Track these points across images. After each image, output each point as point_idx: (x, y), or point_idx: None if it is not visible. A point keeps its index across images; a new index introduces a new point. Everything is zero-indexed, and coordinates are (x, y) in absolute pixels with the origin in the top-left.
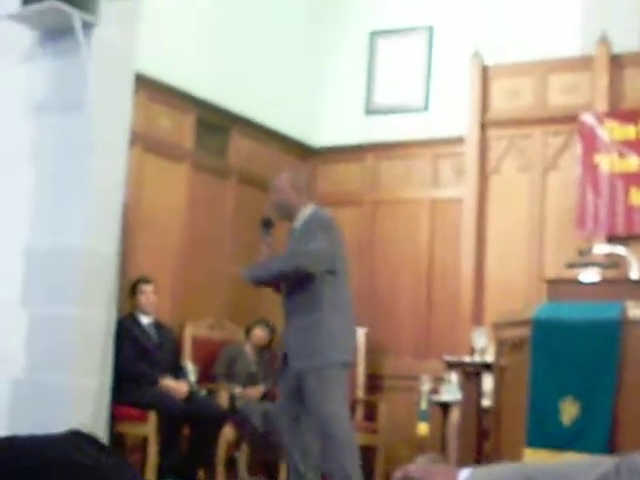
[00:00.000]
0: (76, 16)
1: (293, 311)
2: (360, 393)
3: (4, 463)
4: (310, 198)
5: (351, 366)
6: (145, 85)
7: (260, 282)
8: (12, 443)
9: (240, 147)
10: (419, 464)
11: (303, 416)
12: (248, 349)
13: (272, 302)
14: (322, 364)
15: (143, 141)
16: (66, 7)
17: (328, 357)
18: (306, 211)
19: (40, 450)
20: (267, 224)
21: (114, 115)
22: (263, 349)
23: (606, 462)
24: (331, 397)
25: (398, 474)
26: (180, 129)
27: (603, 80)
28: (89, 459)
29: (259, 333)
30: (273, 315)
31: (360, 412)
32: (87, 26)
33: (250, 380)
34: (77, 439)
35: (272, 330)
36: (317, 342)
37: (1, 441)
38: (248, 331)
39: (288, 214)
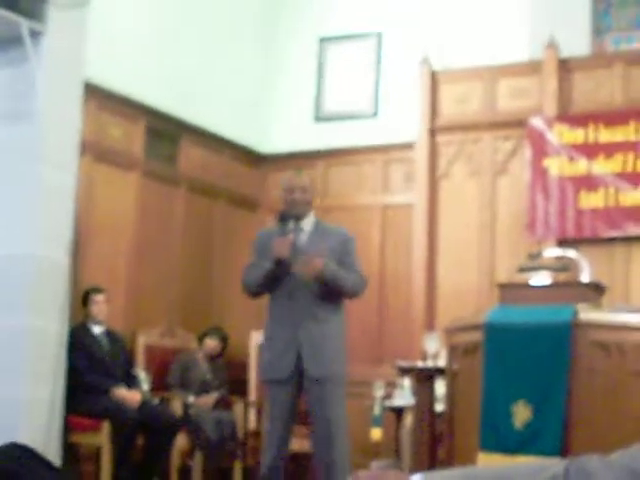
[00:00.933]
0: (24, 25)
1: (316, 317)
2: None
3: None
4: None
5: None
6: (94, 94)
7: (328, 280)
8: None
9: (190, 155)
10: (372, 470)
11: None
12: (201, 357)
13: (223, 309)
14: (341, 372)
15: (93, 150)
16: (14, 16)
17: (344, 366)
18: (311, 215)
19: None
20: (284, 218)
21: (64, 124)
22: (215, 357)
23: (555, 465)
24: (342, 404)
25: (350, 479)
26: (130, 137)
27: (552, 84)
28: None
29: (211, 343)
30: (224, 321)
31: None
32: (35, 35)
33: (204, 388)
34: (19, 452)
35: (224, 339)
36: (339, 349)
37: None
38: (200, 340)
39: (304, 213)
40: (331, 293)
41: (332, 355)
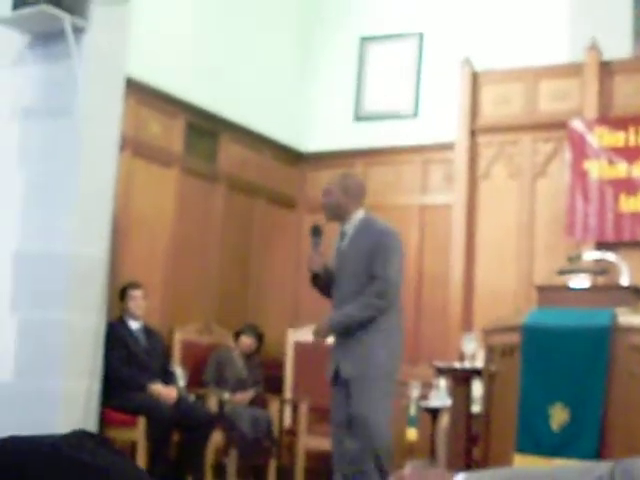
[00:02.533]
0: (67, 20)
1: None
2: None
3: (9, 461)
4: (361, 202)
5: None
6: (135, 90)
7: (340, 329)
8: (15, 443)
9: (230, 152)
10: (412, 469)
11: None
12: (236, 355)
13: (260, 307)
14: (374, 371)
15: (133, 146)
16: (57, 11)
17: (380, 364)
18: (357, 215)
19: (48, 449)
20: (316, 232)
21: (104, 120)
22: (251, 355)
23: (601, 467)
24: (375, 402)
25: (392, 479)
26: (170, 134)
27: (593, 87)
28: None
29: (246, 340)
30: (261, 319)
31: None
32: (78, 31)
33: (239, 385)
34: (84, 439)
35: (259, 336)
36: (372, 347)
37: (5, 441)
38: (236, 337)
39: (338, 216)
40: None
41: (362, 354)
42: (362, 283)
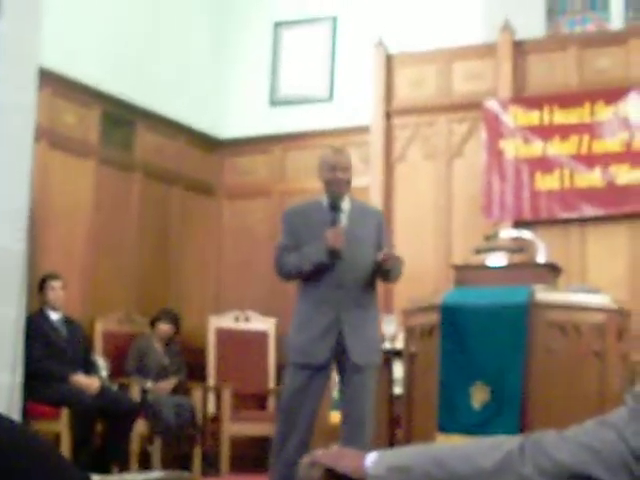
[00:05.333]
0: None
1: (359, 302)
2: (271, 384)
3: None
4: None
5: None
6: (49, 80)
7: (395, 269)
8: None
9: (146, 141)
10: (327, 450)
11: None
12: (156, 342)
13: (181, 294)
14: (380, 359)
15: (48, 137)
16: None
17: (379, 352)
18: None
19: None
20: (336, 207)
21: (19, 111)
22: (170, 341)
23: (511, 440)
24: (375, 391)
25: (306, 460)
26: (85, 124)
27: (506, 67)
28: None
29: (163, 327)
30: (182, 306)
31: (272, 403)
32: None
33: (161, 373)
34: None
35: (176, 321)
36: (375, 337)
37: None
38: (153, 325)
39: (343, 194)
40: (372, 272)
41: (374, 341)
42: (371, 255)
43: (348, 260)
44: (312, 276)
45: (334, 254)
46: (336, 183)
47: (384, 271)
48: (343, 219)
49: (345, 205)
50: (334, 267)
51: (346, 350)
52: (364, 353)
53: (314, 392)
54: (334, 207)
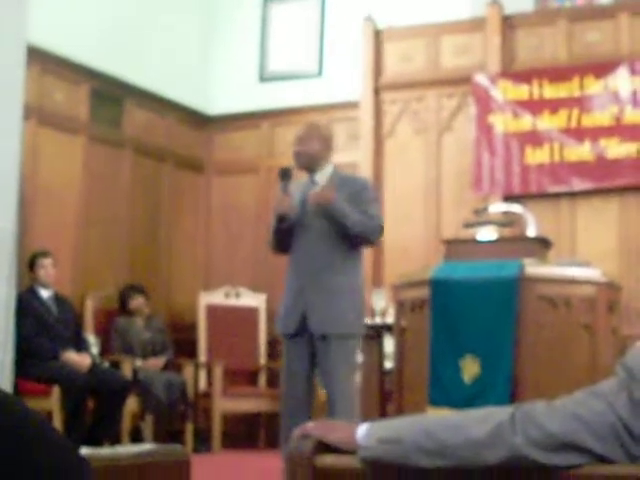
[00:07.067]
0: None
1: (332, 267)
2: (262, 360)
3: None
4: (331, 155)
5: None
6: (38, 57)
7: (335, 213)
8: None
9: (135, 118)
10: (318, 422)
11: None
12: (137, 319)
13: (171, 270)
14: (351, 328)
15: (37, 114)
16: None
17: (357, 321)
18: (329, 166)
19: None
20: (286, 175)
21: (7, 88)
22: (151, 317)
23: (502, 412)
24: (350, 361)
25: (297, 432)
26: (74, 101)
27: (495, 41)
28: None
29: (135, 302)
30: (173, 283)
31: (263, 379)
32: None
33: (147, 350)
34: None
35: (144, 292)
36: (350, 304)
37: None
38: (124, 303)
39: (311, 165)
40: (344, 237)
41: (341, 310)
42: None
43: (317, 229)
44: (287, 245)
45: (282, 218)
46: (294, 157)
47: (329, 217)
48: (316, 189)
49: (321, 178)
50: (305, 236)
51: (306, 318)
52: (324, 322)
53: (298, 361)
54: (284, 176)
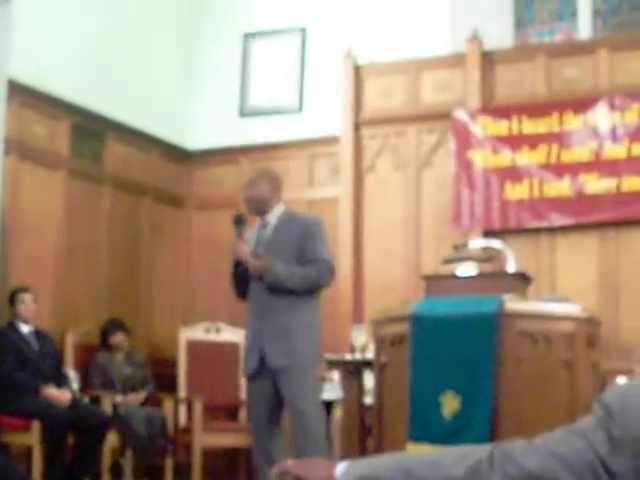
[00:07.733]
0: None
1: (284, 307)
2: (242, 395)
3: None
4: (280, 196)
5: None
6: (18, 92)
7: (272, 283)
8: None
9: (115, 153)
10: (297, 460)
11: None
12: (117, 355)
13: (152, 305)
14: (308, 360)
15: (18, 148)
16: None
17: (313, 354)
18: (279, 207)
19: None
20: (240, 221)
21: None
22: (131, 352)
23: (480, 450)
24: (311, 392)
25: (276, 470)
26: (55, 136)
27: (475, 77)
28: None
29: (117, 338)
30: (153, 318)
31: (243, 414)
32: None
33: (128, 385)
34: None
35: (125, 329)
36: (306, 337)
37: None
38: (105, 339)
39: (261, 208)
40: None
41: (296, 344)
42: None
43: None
44: (245, 289)
45: (238, 264)
46: (245, 202)
47: (271, 287)
48: (268, 232)
49: (273, 218)
50: (259, 280)
51: (264, 356)
52: (280, 356)
53: (259, 403)
54: (238, 222)
